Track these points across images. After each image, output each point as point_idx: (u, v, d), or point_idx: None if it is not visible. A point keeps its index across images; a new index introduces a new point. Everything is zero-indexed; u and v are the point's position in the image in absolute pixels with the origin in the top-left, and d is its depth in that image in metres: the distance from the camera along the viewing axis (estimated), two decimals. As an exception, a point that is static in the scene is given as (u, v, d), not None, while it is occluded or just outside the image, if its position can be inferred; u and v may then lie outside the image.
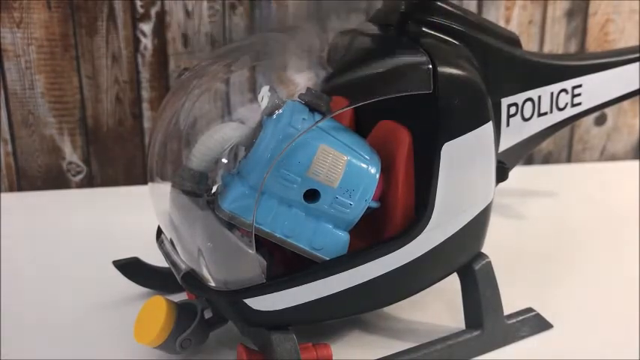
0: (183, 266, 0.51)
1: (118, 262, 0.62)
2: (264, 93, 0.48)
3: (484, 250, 0.56)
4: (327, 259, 0.49)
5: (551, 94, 0.60)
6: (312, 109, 0.47)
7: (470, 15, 0.55)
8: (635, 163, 0.92)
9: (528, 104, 0.58)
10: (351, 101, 0.48)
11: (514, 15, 0.88)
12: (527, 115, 0.58)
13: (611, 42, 0.91)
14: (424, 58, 0.50)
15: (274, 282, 0.48)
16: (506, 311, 0.57)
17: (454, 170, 0.51)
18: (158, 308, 0.51)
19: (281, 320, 0.50)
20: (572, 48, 0.90)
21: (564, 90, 0.60)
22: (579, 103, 0.62)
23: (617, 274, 0.67)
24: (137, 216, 0.65)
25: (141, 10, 0.82)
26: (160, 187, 0.51)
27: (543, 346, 0.57)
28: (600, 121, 0.94)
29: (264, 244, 0.49)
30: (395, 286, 0.52)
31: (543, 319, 0.59)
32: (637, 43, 0.69)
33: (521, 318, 0.58)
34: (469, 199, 0.53)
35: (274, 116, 0.47)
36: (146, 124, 0.86)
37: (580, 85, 0.61)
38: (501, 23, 0.87)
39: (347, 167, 0.48)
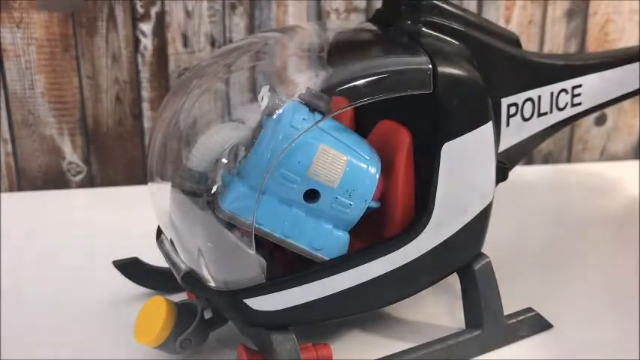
0: (183, 266, 0.51)
1: (117, 262, 0.62)
2: (264, 93, 0.48)
3: (484, 250, 0.56)
4: (327, 259, 0.49)
5: (551, 94, 0.60)
6: (312, 109, 0.47)
7: (469, 15, 0.55)
8: (635, 163, 0.92)
9: (528, 104, 0.58)
10: (351, 101, 0.48)
11: (514, 15, 0.88)
12: (527, 115, 0.58)
13: (611, 42, 0.91)
14: (424, 58, 0.50)
15: (274, 282, 0.48)
16: (506, 311, 0.57)
17: (454, 170, 0.51)
18: (158, 308, 0.51)
19: (281, 320, 0.50)
20: (572, 48, 0.90)
21: (564, 90, 0.60)
22: (579, 103, 0.62)
23: (617, 274, 0.67)
24: (137, 216, 0.65)
25: (141, 10, 0.82)
26: (160, 187, 0.51)
27: (543, 346, 0.57)
28: (600, 121, 0.94)
29: (264, 244, 0.49)
30: (395, 286, 0.52)
31: (543, 318, 0.59)
32: (637, 43, 0.69)
33: (521, 318, 0.58)
34: (469, 198, 0.53)
35: (274, 116, 0.47)
36: (146, 124, 0.86)
37: (580, 85, 0.61)
38: (501, 23, 0.87)
39: (347, 167, 0.48)
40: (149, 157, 0.53)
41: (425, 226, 0.51)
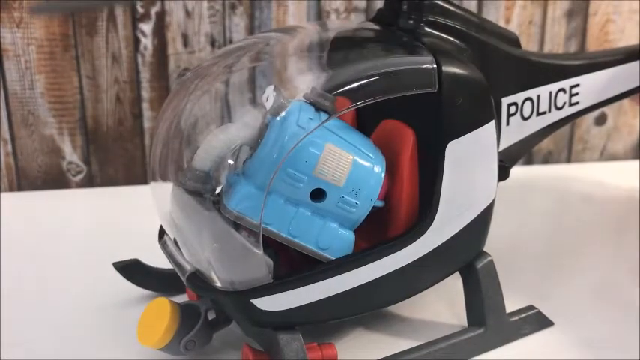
0: (187, 267, 0.51)
1: (118, 263, 0.62)
2: (269, 93, 0.48)
3: (484, 249, 0.56)
4: (333, 258, 0.49)
5: (550, 93, 0.60)
6: (318, 108, 0.47)
7: (470, 15, 0.56)
8: (635, 163, 0.92)
9: (527, 103, 0.58)
10: (355, 101, 0.48)
11: (514, 15, 0.88)
12: (526, 114, 0.59)
13: (611, 42, 0.91)
14: (428, 58, 0.50)
15: (281, 282, 0.48)
16: (507, 309, 0.57)
17: (458, 169, 0.51)
18: (162, 310, 0.51)
19: (288, 320, 0.50)
20: (572, 48, 0.91)
21: (562, 89, 0.60)
22: (577, 102, 0.62)
23: (617, 274, 0.67)
24: (137, 216, 0.65)
25: (141, 10, 0.82)
26: (163, 187, 0.51)
27: (544, 344, 0.57)
28: (600, 121, 0.94)
29: (270, 244, 0.49)
30: (399, 285, 0.52)
31: (544, 316, 0.59)
32: (637, 43, 0.69)
33: (522, 315, 0.58)
34: (472, 197, 0.53)
35: (280, 116, 0.47)
36: (146, 124, 0.86)
37: (578, 85, 0.61)
38: (501, 23, 0.87)
39: (353, 167, 0.48)
40: (151, 157, 0.53)
41: (429, 225, 0.51)
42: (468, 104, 0.51)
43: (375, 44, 0.55)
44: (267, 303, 0.48)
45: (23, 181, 0.87)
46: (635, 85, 0.66)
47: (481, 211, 0.54)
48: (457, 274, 0.57)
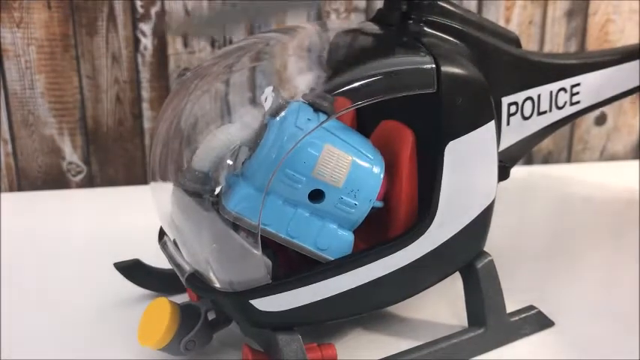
0: (187, 268, 0.50)
1: (119, 264, 0.62)
2: (268, 93, 0.48)
3: (484, 249, 0.56)
4: (332, 259, 0.49)
5: (550, 92, 0.60)
6: (317, 109, 0.47)
7: (470, 14, 0.55)
8: (635, 163, 0.93)
9: (528, 103, 0.58)
10: (355, 101, 0.48)
11: (514, 15, 0.88)
12: (527, 113, 0.58)
13: (611, 42, 0.91)
14: (427, 58, 0.50)
15: (280, 282, 0.48)
16: (508, 310, 0.57)
17: (458, 169, 0.51)
18: (162, 310, 0.51)
19: (287, 321, 0.49)
20: (572, 48, 0.91)
21: (563, 89, 0.60)
22: (578, 102, 0.62)
23: (617, 274, 0.67)
24: (137, 216, 0.65)
25: (141, 10, 0.82)
26: (163, 187, 0.51)
27: (544, 344, 0.57)
28: (600, 121, 0.94)
29: (269, 245, 0.49)
30: (399, 286, 0.52)
31: (545, 316, 0.59)
32: (637, 43, 0.69)
33: (523, 316, 0.58)
34: (472, 197, 0.53)
35: (279, 117, 0.46)
36: (146, 124, 0.86)
37: (578, 84, 0.61)
38: (501, 23, 0.87)
39: (352, 167, 0.48)
40: (151, 157, 0.53)
41: (429, 226, 0.51)
42: (467, 104, 0.51)
43: (374, 45, 0.55)
44: (265, 304, 0.48)
45: (23, 181, 0.87)
46: (635, 84, 0.66)
47: (481, 211, 0.54)
48: (457, 275, 0.57)
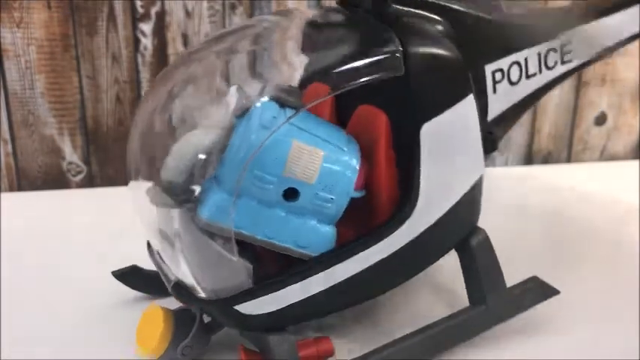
0: (172, 277, 0.50)
1: (116, 272, 0.61)
2: (232, 93, 0.46)
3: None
4: (315, 255, 0.49)
5: (539, 54, 0.57)
6: (282, 104, 0.45)
7: None
8: (635, 163, 0.92)
9: (515, 68, 0.56)
10: (323, 93, 0.46)
11: (514, 15, 0.88)
12: (514, 79, 0.56)
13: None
14: (393, 40, 0.48)
15: (261, 285, 0.47)
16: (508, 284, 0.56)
17: (436, 150, 0.49)
18: (155, 319, 0.50)
19: (275, 322, 0.49)
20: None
21: (553, 49, 0.57)
22: (570, 60, 0.59)
23: (617, 274, 0.67)
24: (137, 216, 0.64)
25: (141, 10, 0.82)
26: (142, 188, 0.49)
27: (544, 345, 0.57)
28: (600, 121, 0.94)
29: (251, 248, 0.48)
30: (391, 272, 0.51)
31: (548, 285, 0.57)
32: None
33: (524, 287, 0.57)
34: (457, 176, 0.51)
35: (244, 117, 0.45)
36: (146, 124, 0.86)
37: (570, 42, 0.58)
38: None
39: (324, 162, 0.47)
40: (129, 153, 0.51)
41: (412, 210, 0.49)
42: (438, 83, 0.49)
43: (338, 31, 0.53)
44: (251, 308, 0.48)
45: (23, 181, 0.87)
46: (635, 31, 0.61)
47: (469, 187, 0.52)
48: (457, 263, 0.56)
